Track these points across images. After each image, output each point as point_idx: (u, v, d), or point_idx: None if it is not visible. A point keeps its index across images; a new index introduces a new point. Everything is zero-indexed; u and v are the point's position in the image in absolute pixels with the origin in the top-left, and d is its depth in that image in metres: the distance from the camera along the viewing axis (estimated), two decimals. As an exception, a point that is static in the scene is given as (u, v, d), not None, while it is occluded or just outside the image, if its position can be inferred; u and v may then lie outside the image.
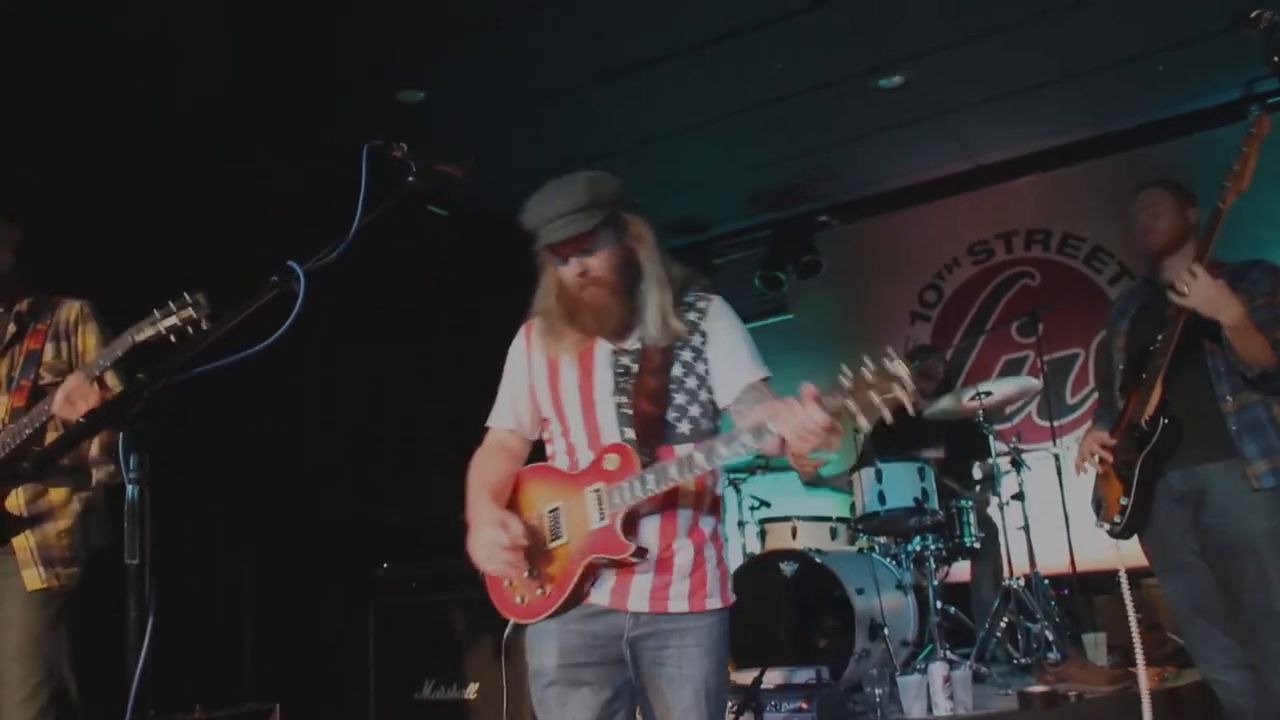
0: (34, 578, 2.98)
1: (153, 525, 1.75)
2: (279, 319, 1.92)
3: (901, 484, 5.11)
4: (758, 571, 5.11)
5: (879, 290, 7.64)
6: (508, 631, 4.05)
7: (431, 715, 4.83)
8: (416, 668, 4.94)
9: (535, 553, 2.38)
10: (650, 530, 2.35)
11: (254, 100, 5.48)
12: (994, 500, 5.60)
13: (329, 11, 4.84)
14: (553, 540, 2.40)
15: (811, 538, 5.37)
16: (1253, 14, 2.31)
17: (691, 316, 2.45)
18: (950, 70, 5.86)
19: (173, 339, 2.66)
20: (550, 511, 2.42)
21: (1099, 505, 3.41)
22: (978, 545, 5.39)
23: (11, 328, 3.17)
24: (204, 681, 4.66)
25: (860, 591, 4.81)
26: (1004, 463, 5.53)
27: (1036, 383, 5.86)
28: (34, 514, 3.02)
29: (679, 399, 2.40)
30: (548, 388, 2.50)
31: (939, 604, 5.04)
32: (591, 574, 2.36)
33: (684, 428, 2.38)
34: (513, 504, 2.47)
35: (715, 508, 2.48)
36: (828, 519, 5.53)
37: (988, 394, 5.39)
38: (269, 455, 5.40)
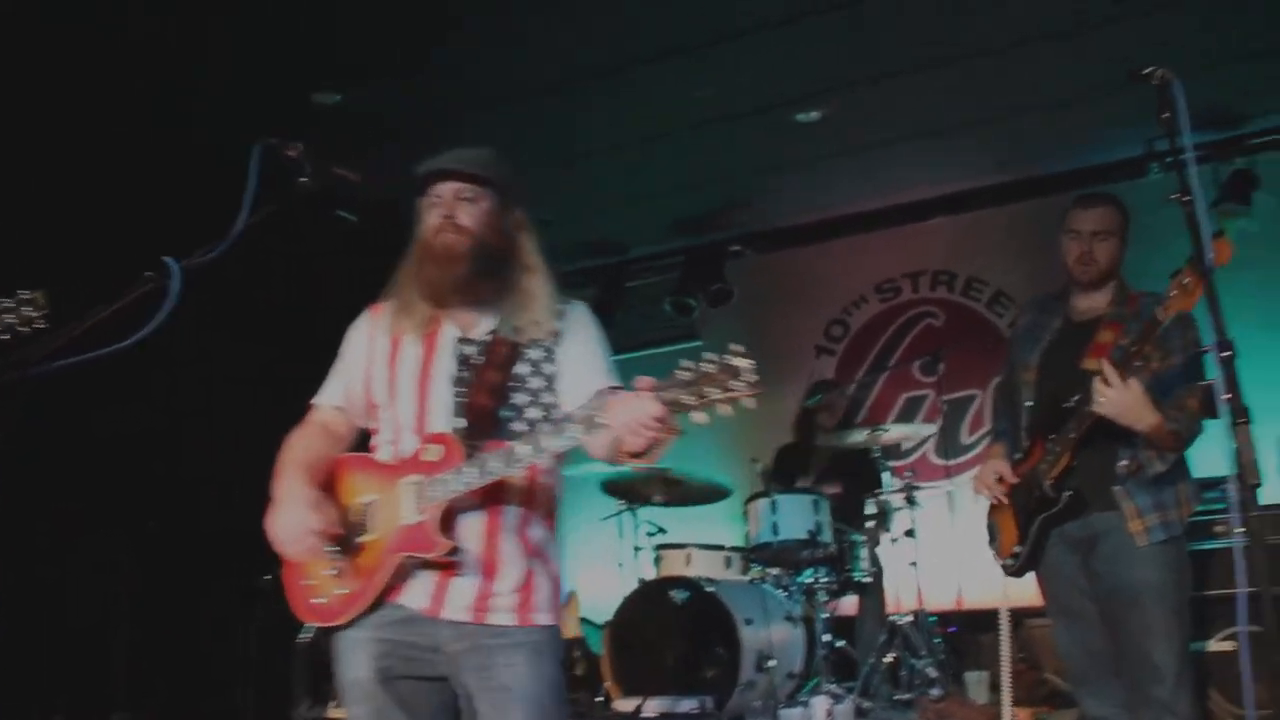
0: None
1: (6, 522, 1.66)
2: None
3: (796, 516, 5.14)
4: (648, 598, 5.09)
5: (787, 322, 7.69)
6: (304, 636, 3.66)
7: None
8: (295, 685, 4.81)
9: (345, 547, 2.23)
10: (472, 531, 2.20)
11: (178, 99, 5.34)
12: (885, 536, 5.68)
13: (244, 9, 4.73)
14: (363, 535, 2.24)
15: (706, 566, 5.36)
16: (1145, 70, 2.36)
17: (549, 317, 2.34)
18: (866, 109, 5.96)
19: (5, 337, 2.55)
20: (364, 504, 2.27)
21: (993, 535, 3.43)
22: (868, 580, 5.45)
23: None
24: (70, 691, 4.47)
25: (749, 622, 4.81)
26: (897, 499, 5.60)
27: (932, 428, 5.96)
28: None
29: (518, 398, 2.27)
30: (386, 367, 2.36)
31: (827, 637, 5.07)
32: (403, 575, 2.20)
33: (518, 427, 2.24)
34: (327, 494, 2.30)
35: (551, 513, 2.35)
36: (722, 548, 5.53)
37: (884, 432, 5.46)
38: (144, 456, 5.21)
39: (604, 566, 5.99)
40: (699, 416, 1.91)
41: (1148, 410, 2.94)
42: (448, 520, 2.16)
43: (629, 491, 5.82)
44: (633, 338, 7.38)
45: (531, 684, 2.18)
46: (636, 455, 2.02)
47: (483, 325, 2.34)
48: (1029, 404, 3.36)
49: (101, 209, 5.06)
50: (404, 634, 2.20)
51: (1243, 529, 2.20)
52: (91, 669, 5.02)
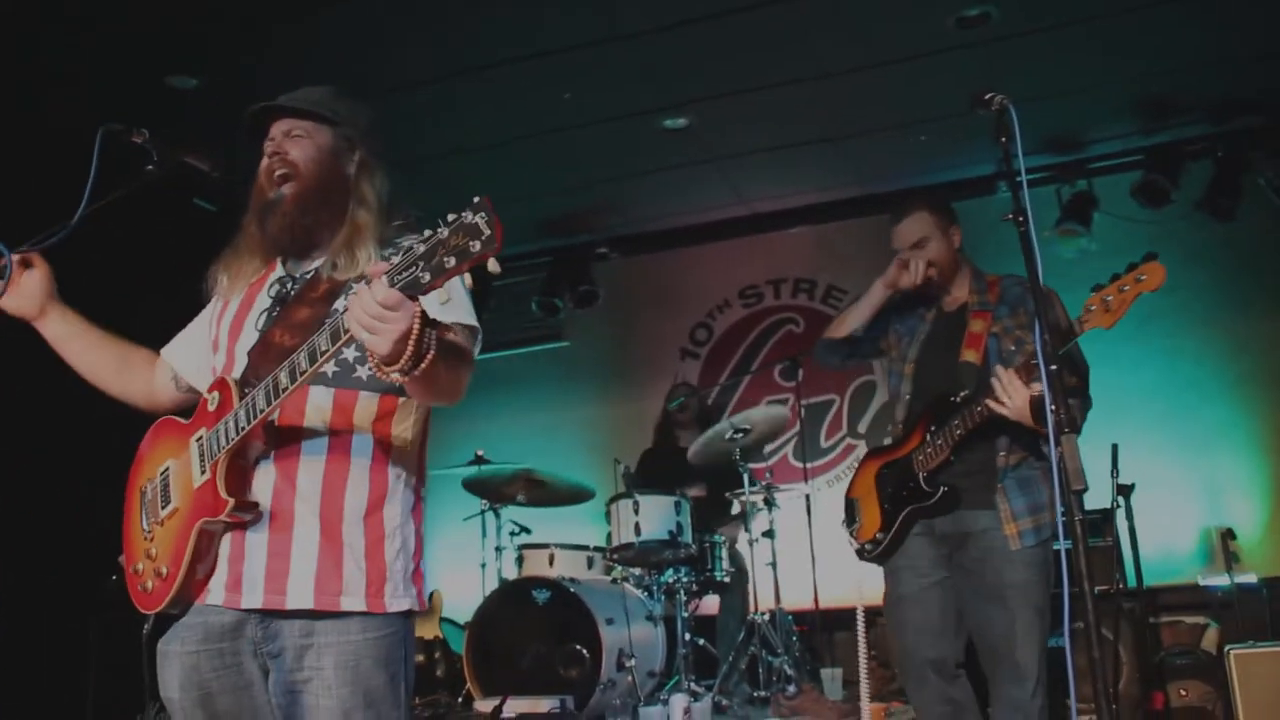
0: None
1: None
2: None
3: (658, 516, 5.19)
4: (510, 598, 5.08)
5: (652, 324, 7.78)
6: (146, 629, 3.46)
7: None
8: (140, 690, 4.62)
9: (151, 526, 2.05)
10: (264, 490, 1.97)
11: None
12: (744, 536, 5.78)
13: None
14: (164, 508, 2.05)
15: (568, 566, 5.38)
16: (986, 95, 2.47)
17: (380, 250, 2.07)
18: (731, 118, 6.06)
19: None
20: (162, 473, 2.07)
21: (853, 516, 3.44)
22: (727, 579, 5.54)
23: None
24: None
25: (610, 621, 4.85)
26: (757, 500, 5.71)
27: (785, 411, 6.08)
28: None
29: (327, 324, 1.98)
30: (212, 329, 2.22)
31: (687, 636, 5.14)
32: (207, 547, 1.96)
33: (327, 368, 1.95)
34: (135, 472, 2.16)
35: (380, 478, 2.04)
36: (585, 548, 5.55)
37: (746, 430, 5.55)
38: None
39: (466, 566, 5.95)
40: (434, 296, 1.69)
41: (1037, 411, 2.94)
42: (235, 475, 1.94)
43: (491, 491, 5.80)
44: (499, 336, 7.35)
45: (342, 692, 1.93)
46: (390, 363, 1.71)
47: (308, 263, 2.17)
48: (908, 396, 3.38)
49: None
50: (211, 642, 1.97)
51: (1066, 535, 2.29)
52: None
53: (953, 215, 3.41)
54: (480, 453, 5.78)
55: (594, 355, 7.84)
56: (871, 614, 5.78)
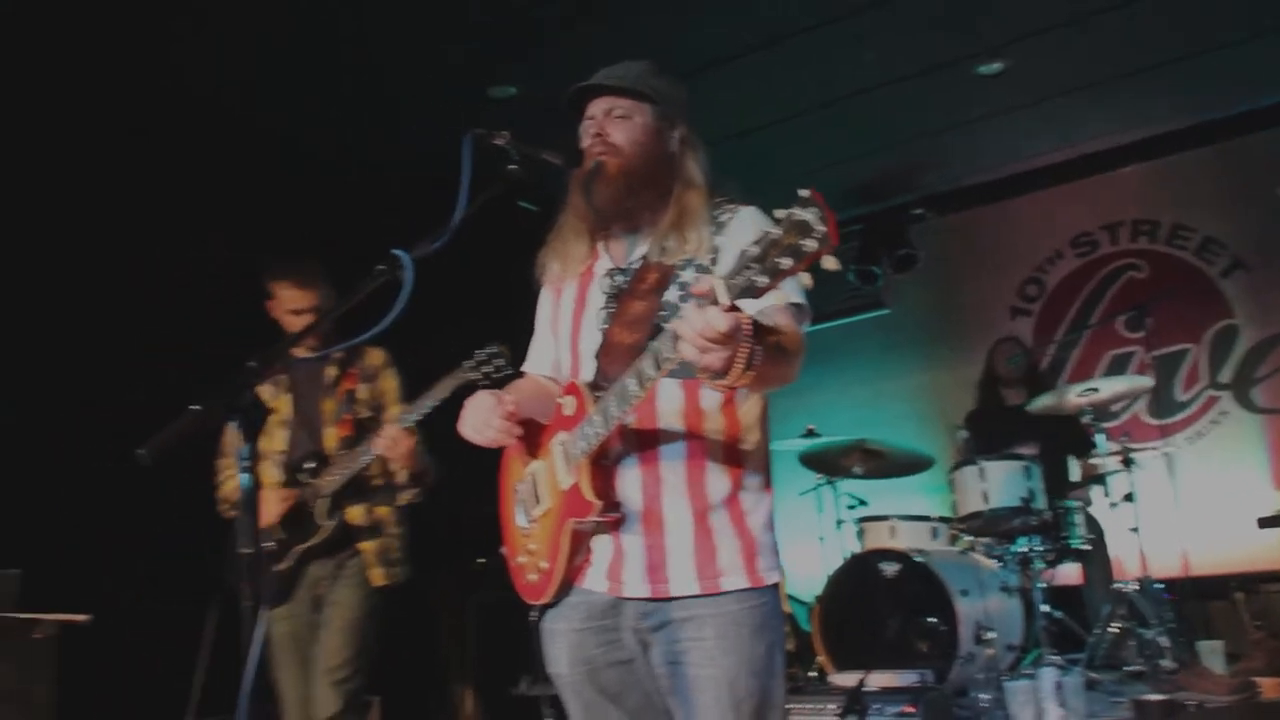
0: (378, 575, 3.59)
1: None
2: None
3: (1006, 483, 4.95)
4: (857, 572, 5.00)
5: (977, 284, 7.44)
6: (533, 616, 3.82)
7: (530, 711, 4.82)
8: (514, 663, 4.93)
9: (528, 522, 2.12)
10: (631, 488, 2.00)
11: (347, 99, 5.55)
12: (1094, 500, 5.41)
13: (424, 8, 4.86)
14: (537, 507, 2.11)
15: (911, 538, 5.22)
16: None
17: (709, 230, 2.05)
18: (1050, 56, 5.66)
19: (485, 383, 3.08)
20: (531, 474, 2.13)
21: None
22: (1086, 547, 5.19)
23: (334, 371, 3.69)
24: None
25: (964, 593, 4.67)
26: (1113, 462, 5.32)
27: (1148, 381, 5.63)
28: (371, 524, 3.62)
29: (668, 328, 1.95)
30: (551, 320, 2.25)
31: (1045, 607, 4.87)
32: (579, 545, 2.03)
33: None
34: (504, 470, 2.23)
35: (735, 459, 2.04)
36: (928, 518, 5.37)
37: (1094, 391, 5.19)
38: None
39: (803, 541, 5.92)
40: (778, 295, 1.60)
41: None
42: (599, 478, 1.98)
43: (828, 464, 5.73)
44: (818, 309, 7.25)
45: (725, 662, 1.94)
46: (720, 376, 1.68)
47: (636, 253, 2.15)
48: None
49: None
50: (594, 619, 2.06)
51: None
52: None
53: None
54: (811, 427, 5.73)
55: (916, 320, 7.59)
56: (1251, 580, 5.30)
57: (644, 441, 2.02)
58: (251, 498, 1.69)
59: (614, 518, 1.99)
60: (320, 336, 3.50)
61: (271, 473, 3.60)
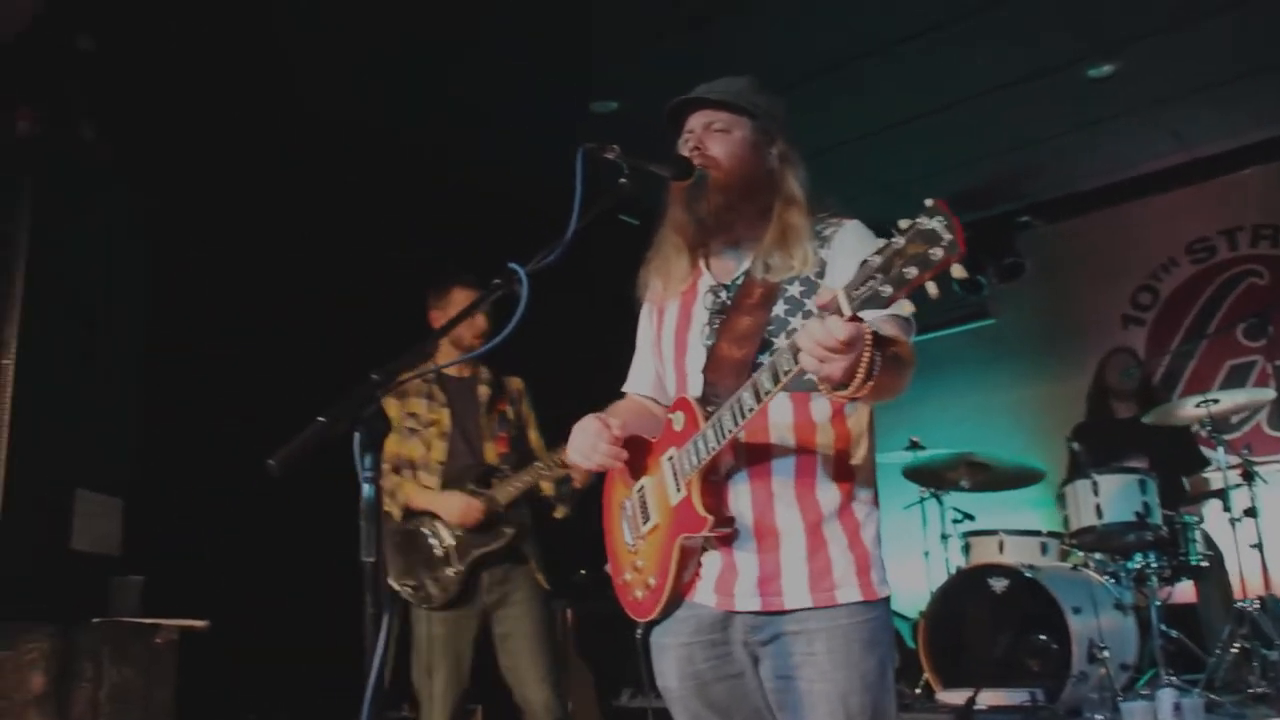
0: (543, 580, 3.85)
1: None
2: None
3: (1120, 496, 4.80)
4: (965, 587, 4.91)
5: (1087, 293, 7.24)
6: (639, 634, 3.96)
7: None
8: (614, 674, 4.96)
9: (634, 539, 2.12)
10: (742, 501, 2.00)
11: (453, 114, 5.66)
12: (1210, 516, 5.21)
13: (525, 26, 4.94)
14: (645, 524, 2.10)
15: (1020, 553, 5.10)
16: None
17: (813, 246, 2.04)
18: (1163, 58, 5.51)
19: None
20: (638, 491, 2.12)
21: None
22: (1204, 564, 5.01)
23: (487, 391, 3.97)
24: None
25: (1077, 610, 4.54)
26: (1234, 475, 5.12)
27: (1269, 393, 5.43)
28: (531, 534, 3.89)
29: (779, 343, 1.96)
30: (654, 339, 2.25)
31: (1161, 626, 4.71)
32: (689, 561, 2.03)
33: None
34: (609, 487, 2.22)
35: (845, 471, 2.03)
36: (1037, 533, 5.25)
37: (1214, 403, 5.00)
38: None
39: (908, 555, 5.83)
40: (907, 305, 1.57)
41: None
42: (711, 492, 1.98)
43: (933, 477, 5.64)
44: (922, 319, 7.14)
45: (837, 676, 1.93)
46: (840, 387, 1.69)
47: (739, 269, 2.14)
48: None
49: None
50: (702, 634, 2.05)
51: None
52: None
53: None
54: (915, 440, 5.64)
55: (1024, 330, 7.42)
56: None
57: (755, 455, 2.01)
58: (374, 508, 1.72)
59: (725, 533, 1.99)
60: (455, 344, 3.74)
61: (429, 480, 3.81)
